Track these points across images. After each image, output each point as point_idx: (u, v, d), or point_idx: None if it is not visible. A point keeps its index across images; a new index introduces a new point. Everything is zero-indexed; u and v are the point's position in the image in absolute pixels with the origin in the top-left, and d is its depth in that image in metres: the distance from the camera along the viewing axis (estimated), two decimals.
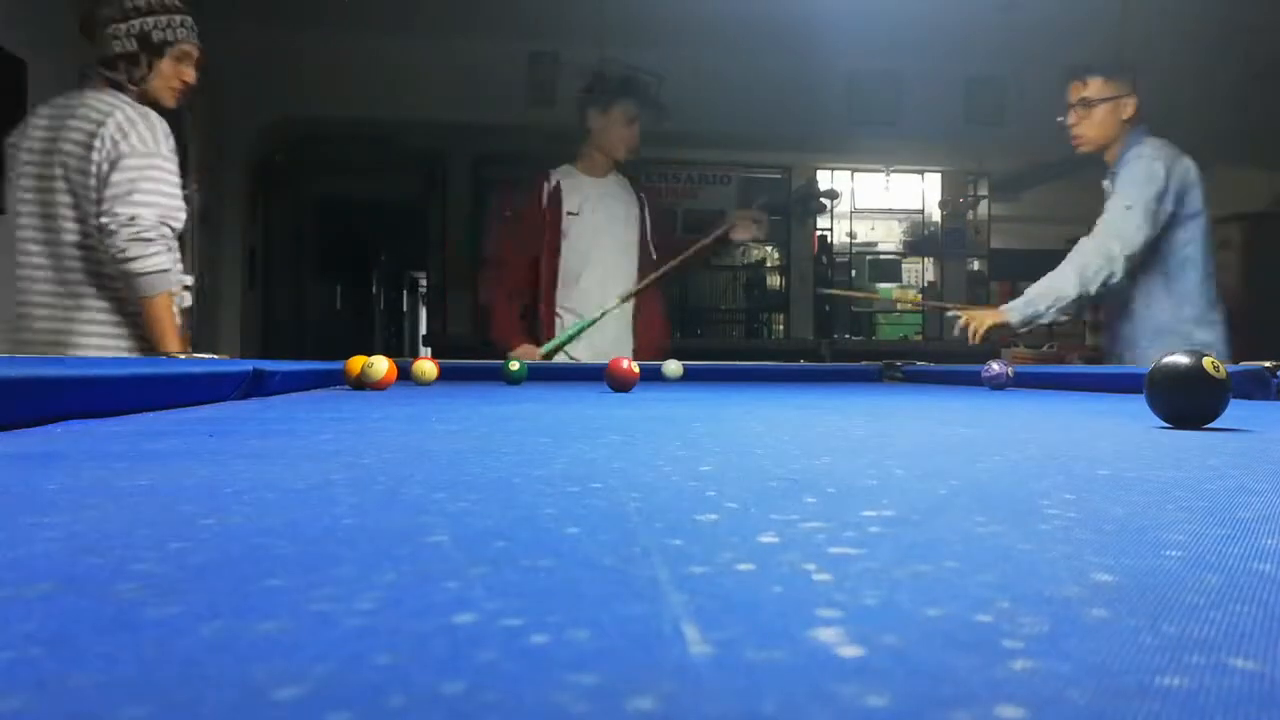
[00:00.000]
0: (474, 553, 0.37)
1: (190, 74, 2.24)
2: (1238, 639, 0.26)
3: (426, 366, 2.31)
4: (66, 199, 2.07)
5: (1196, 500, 0.52)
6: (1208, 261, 2.90)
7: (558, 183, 3.28)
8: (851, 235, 7.16)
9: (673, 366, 2.72)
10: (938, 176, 6.96)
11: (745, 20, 4.89)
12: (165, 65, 2.20)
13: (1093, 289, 2.80)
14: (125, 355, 2.08)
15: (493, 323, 3.38)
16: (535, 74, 5.35)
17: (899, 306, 6.82)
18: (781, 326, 6.99)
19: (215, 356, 2.06)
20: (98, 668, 0.23)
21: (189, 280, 2.20)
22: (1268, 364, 1.65)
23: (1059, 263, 2.95)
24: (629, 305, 3.35)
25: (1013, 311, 2.89)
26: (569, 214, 3.25)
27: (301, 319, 6.85)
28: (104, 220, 2.01)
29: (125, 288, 2.06)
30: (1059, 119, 2.93)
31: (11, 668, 0.23)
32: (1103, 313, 3.27)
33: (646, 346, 3.37)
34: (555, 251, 3.27)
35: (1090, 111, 2.86)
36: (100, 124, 2.06)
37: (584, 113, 3.36)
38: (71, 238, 2.08)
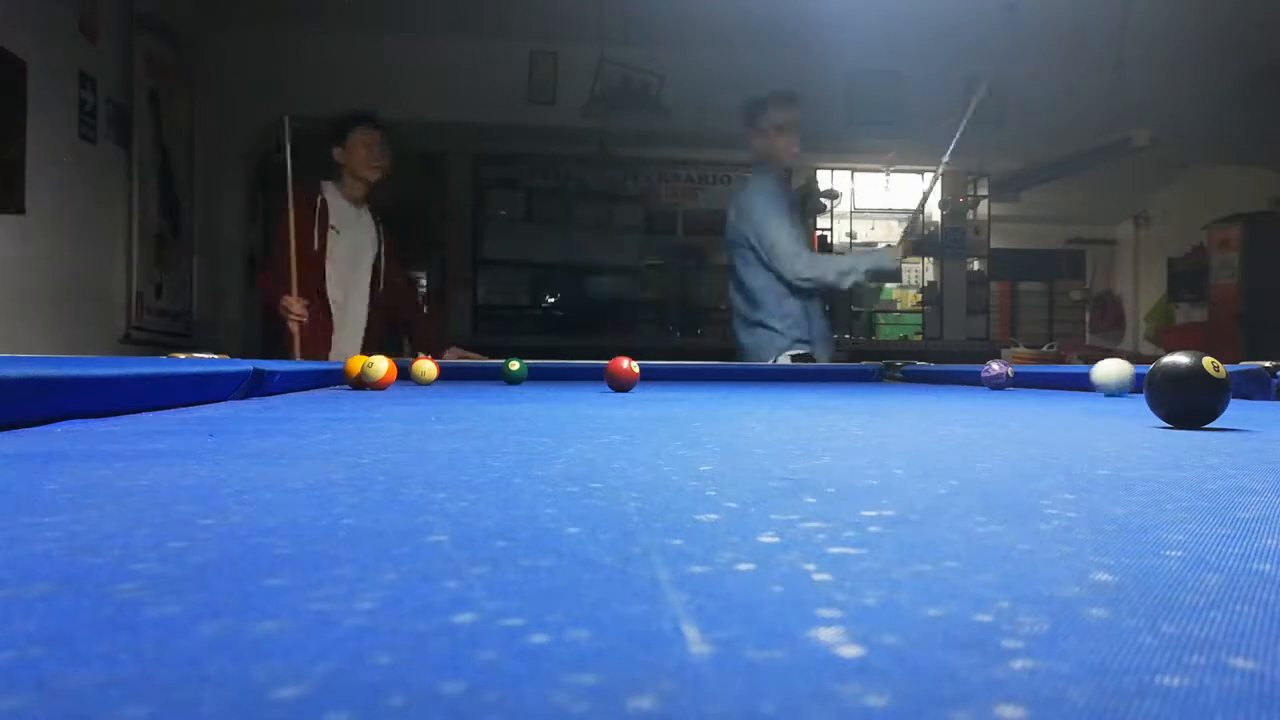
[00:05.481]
0: (474, 553, 0.37)
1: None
2: (1238, 639, 0.26)
3: (426, 366, 2.31)
4: None
5: (1196, 500, 0.52)
6: None
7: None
8: (851, 235, 7.16)
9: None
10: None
11: (745, 20, 4.89)
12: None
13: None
14: None
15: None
16: (535, 74, 5.36)
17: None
18: None
19: (215, 356, 2.06)
20: (98, 668, 0.23)
21: None
22: (1267, 364, 1.65)
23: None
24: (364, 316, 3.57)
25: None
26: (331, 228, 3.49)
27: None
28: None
29: None
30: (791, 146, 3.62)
31: (11, 668, 0.23)
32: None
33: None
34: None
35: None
36: None
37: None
38: None
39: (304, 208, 3.36)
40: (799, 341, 3.60)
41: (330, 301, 3.45)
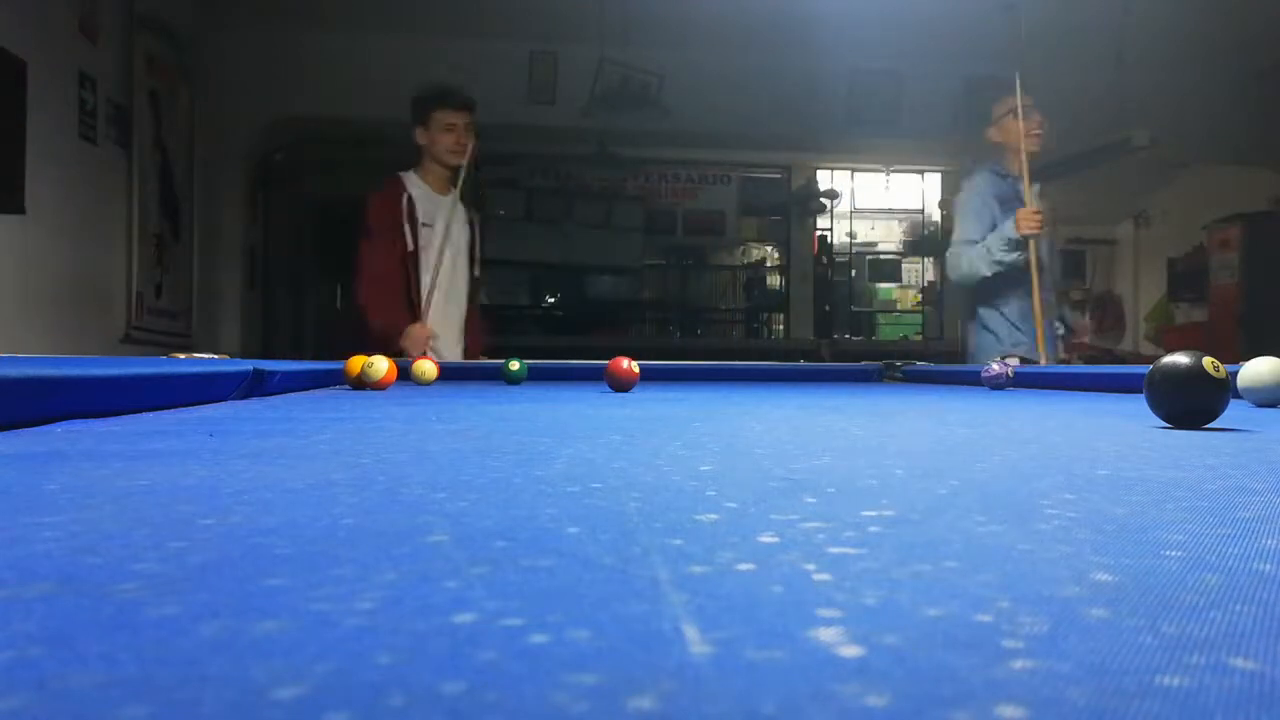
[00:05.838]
0: (474, 553, 0.37)
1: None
2: (1238, 639, 0.26)
3: (426, 366, 2.31)
4: None
5: (1196, 500, 0.52)
6: None
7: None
8: (851, 235, 7.16)
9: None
10: (938, 176, 6.97)
11: (745, 20, 4.89)
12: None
13: None
14: None
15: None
16: (535, 74, 5.36)
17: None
18: (781, 326, 7.00)
19: (215, 356, 2.06)
20: (98, 668, 0.23)
21: None
22: None
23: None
24: (464, 311, 3.37)
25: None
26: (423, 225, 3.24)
27: (301, 319, 6.85)
28: None
29: None
30: (1040, 124, 3.35)
31: (11, 668, 0.23)
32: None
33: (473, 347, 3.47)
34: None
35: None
36: None
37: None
38: None
39: (390, 206, 3.10)
40: (1017, 345, 3.37)
41: (424, 303, 3.17)
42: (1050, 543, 0.39)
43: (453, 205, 3.28)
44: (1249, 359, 1.56)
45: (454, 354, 3.28)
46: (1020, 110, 3.33)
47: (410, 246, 3.16)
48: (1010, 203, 3.41)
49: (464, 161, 3.27)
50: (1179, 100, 5.39)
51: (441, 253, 3.20)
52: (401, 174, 3.24)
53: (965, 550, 0.38)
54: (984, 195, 3.51)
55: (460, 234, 3.33)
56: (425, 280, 3.19)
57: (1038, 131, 3.35)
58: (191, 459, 0.69)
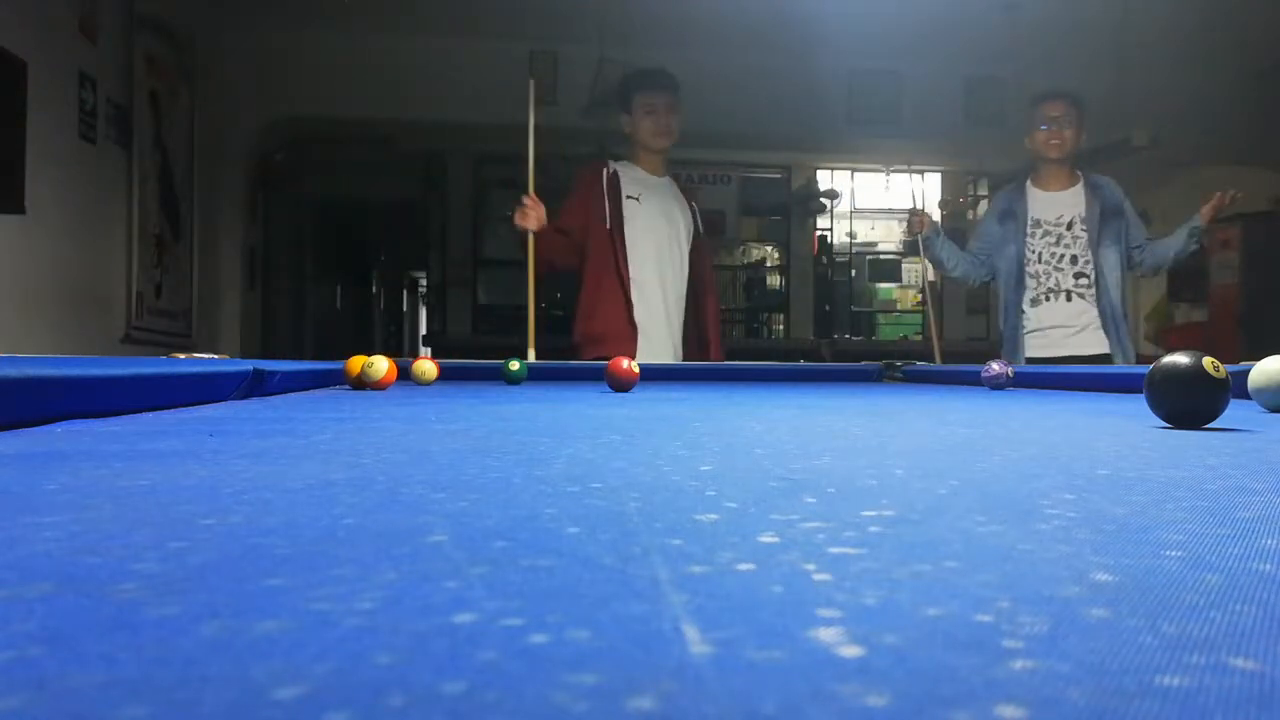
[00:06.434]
0: (474, 553, 0.37)
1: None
2: (1238, 639, 0.26)
3: (426, 366, 2.31)
4: None
5: (1196, 500, 0.52)
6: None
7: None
8: (851, 235, 7.17)
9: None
10: (938, 176, 6.96)
11: (745, 20, 4.89)
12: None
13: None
14: None
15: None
16: (535, 74, 5.36)
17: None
18: (781, 326, 7.00)
19: (215, 356, 2.06)
20: (98, 668, 0.23)
21: None
22: None
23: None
24: (680, 302, 3.19)
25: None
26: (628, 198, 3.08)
27: (301, 319, 6.85)
28: None
29: None
30: (1042, 127, 3.31)
31: (11, 668, 0.23)
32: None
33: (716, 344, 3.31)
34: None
35: (1065, 131, 3.27)
36: None
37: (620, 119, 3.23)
38: None
39: (590, 181, 2.97)
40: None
41: (631, 282, 2.97)
42: (1050, 543, 0.39)
43: (663, 186, 3.13)
44: (1249, 359, 1.55)
45: (667, 352, 3.05)
46: (1035, 119, 3.27)
47: (607, 223, 2.99)
48: (1007, 219, 3.41)
49: (669, 144, 3.16)
50: (1179, 100, 5.39)
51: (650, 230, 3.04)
52: (611, 162, 3.14)
53: (965, 550, 0.38)
54: (993, 210, 3.56)
55: (678, 217, 3.15)
56: (636, 256, 3.01)
57: (1056, 142, 3.26)
58: (191, 459, 0.69)
